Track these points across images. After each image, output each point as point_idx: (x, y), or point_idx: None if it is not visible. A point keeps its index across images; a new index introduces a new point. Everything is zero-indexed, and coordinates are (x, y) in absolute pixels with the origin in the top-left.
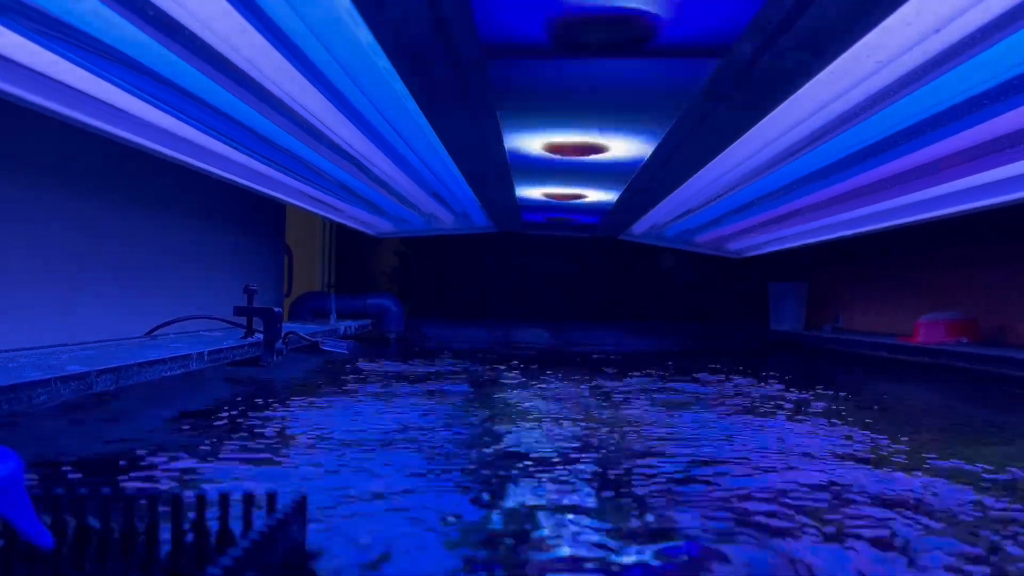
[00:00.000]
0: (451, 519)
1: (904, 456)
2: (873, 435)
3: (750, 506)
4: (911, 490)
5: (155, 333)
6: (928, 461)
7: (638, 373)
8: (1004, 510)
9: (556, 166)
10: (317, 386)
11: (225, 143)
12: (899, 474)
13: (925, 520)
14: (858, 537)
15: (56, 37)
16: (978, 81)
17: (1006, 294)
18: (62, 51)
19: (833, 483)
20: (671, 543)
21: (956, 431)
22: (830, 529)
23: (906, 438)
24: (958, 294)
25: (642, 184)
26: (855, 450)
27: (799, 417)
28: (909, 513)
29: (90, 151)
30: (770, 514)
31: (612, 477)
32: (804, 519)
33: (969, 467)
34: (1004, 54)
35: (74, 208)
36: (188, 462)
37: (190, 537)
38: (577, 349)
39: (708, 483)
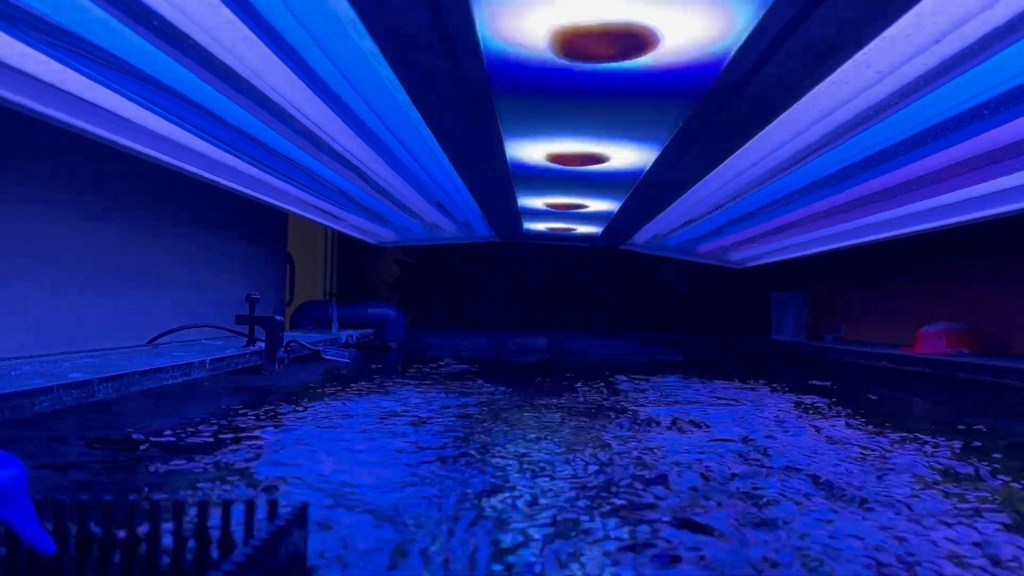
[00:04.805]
0: None
1: None
2: None
3: None
4: None
5: (157, 341)
6: None
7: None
8: None
9: (558, 175)
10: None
11: (228, 152)
12: None
13: None
14: None
15: (63, 47)
16: (978, 92)
17: (1007, 305)
18: (68, 61)
19: None
20: None
21: None
22: None
23: None
24: (959, 305)
25: (644, 194)
26: None
27: None
28: None
29: (94, 160)
30: None
31: None
32: None
33: None
34: (1003, 65)
35: (76, 217)
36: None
37: (191, 544)
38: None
39: None
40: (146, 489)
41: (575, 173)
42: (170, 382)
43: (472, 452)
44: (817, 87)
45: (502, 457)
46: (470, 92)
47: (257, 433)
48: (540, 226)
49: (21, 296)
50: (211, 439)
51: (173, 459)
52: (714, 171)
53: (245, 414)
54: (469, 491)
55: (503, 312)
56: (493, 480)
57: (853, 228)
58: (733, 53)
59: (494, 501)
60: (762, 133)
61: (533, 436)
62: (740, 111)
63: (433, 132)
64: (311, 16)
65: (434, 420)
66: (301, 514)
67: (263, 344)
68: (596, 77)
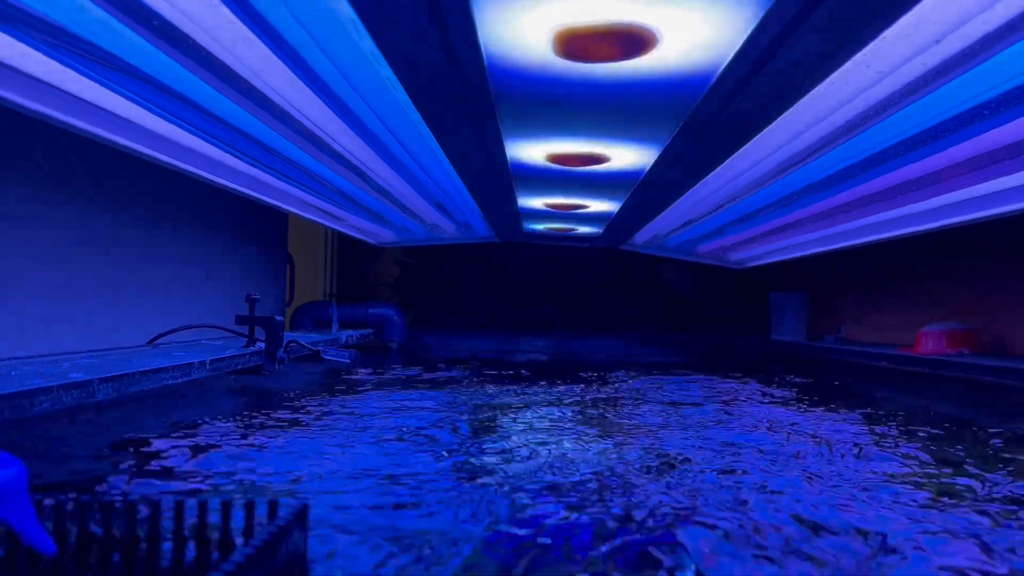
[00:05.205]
0: None
1: None
2: None
3: None
4: None
5: (157, 342)
6: None
7: None
8: None
9: (558, 176)
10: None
11: (228, 152)
12: None
13: None
14: None
15: (63, 47)
16: (978, 92)
17: (1007, 305)
18: (68, 61)
19: None
20: None
21: None
22: None
23: None
24: (959, 305)
25: (644, 194)
26: None
27: None
28: None
29: (94, 160)
30: None
31: None
32: None
33: None
34: (1003, 65)
35: (76, 218)
36: None
37: (191, 544)
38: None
39: None
40: (143, 489)
41: (575, 173)
42: (170, 382)
43: None
44: (817, 88)
45: None
46: (470, 92)
47: (258, 434)
48: (540, 226)
49: (21, 296)
50: (209, 437)
51: (173, 459)
52: (714, 172)
53: (245, 413)
54: None
55: (503, 312)
56: None
57: (853, 228)
58: (732, 55)
59: None
60: (762, 134)
61: None
62: (740, 111)
63: (433, 132)
64: (311, 16)
65: None
66: (301, 514)
67: (263, 344)
68: (596, 77)
